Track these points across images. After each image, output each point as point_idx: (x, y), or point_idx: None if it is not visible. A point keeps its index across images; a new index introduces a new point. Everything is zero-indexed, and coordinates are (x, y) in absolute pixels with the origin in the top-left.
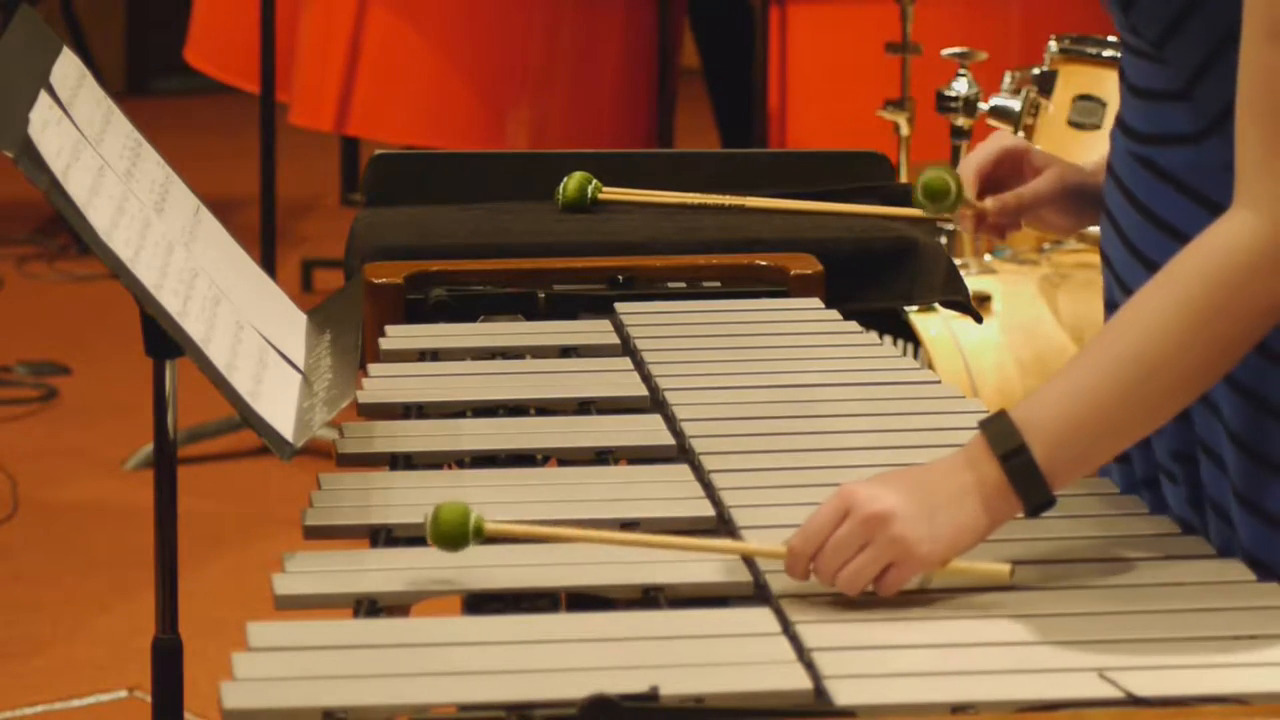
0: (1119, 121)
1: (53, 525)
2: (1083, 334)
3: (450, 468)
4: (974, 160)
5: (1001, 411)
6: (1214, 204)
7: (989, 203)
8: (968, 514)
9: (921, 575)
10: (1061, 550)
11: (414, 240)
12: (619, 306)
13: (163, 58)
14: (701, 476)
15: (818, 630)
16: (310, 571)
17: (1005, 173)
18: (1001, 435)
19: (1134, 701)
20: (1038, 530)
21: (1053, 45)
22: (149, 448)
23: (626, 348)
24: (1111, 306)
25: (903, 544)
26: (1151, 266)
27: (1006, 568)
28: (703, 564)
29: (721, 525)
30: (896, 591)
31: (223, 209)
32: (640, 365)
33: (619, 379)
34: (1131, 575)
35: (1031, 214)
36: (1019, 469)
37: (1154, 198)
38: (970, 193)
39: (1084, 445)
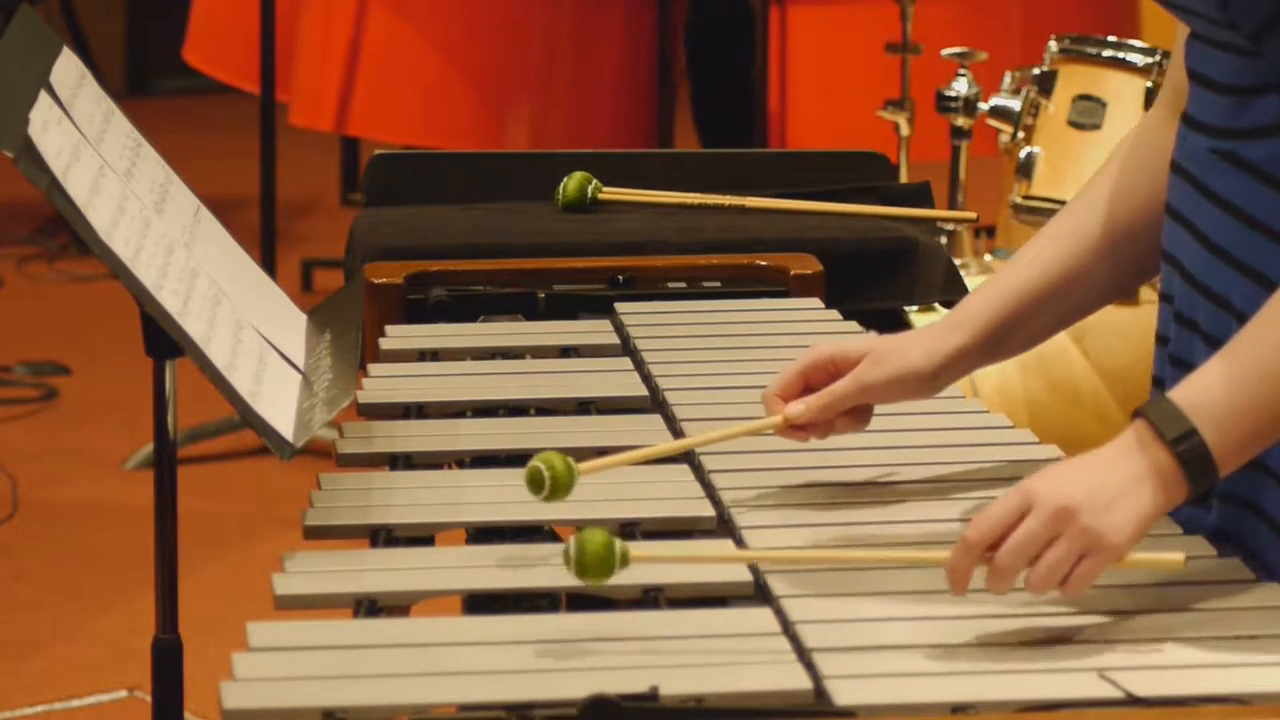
0: (1188, 119)
1: (53, 525)
2: (1083, 334)
3: (450, 468)
4: (772, 389)
5: (1163, 397)
6: None
7: (792, 409)
8: (1145, 500)
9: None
10: None
11: (414, 240)
12: (619, 306)
13: (163, 58)
14: (701, 476)
15: (818, 630)
16: (310, 571)
17: (819, 382)
18: (1169, 419)
19: (1134, 701)
20: None
21: (1053, 45)
22: (149, 448)
23: (626, 348)
24: (1178, 313)
25: (1093, 534)
26: (1237, 265)
27: (1180, 556)
28: (703, 564)
29: (721, 525)
30: (1087, 587)
31: (223, 209)
32: (640, 365)
33: (619, 379)
34: (1132, 575)
35: (855, 404)
36: (1191, 453)
37: (1238, 192)
38: (773, 411)
39: (1251, 429)
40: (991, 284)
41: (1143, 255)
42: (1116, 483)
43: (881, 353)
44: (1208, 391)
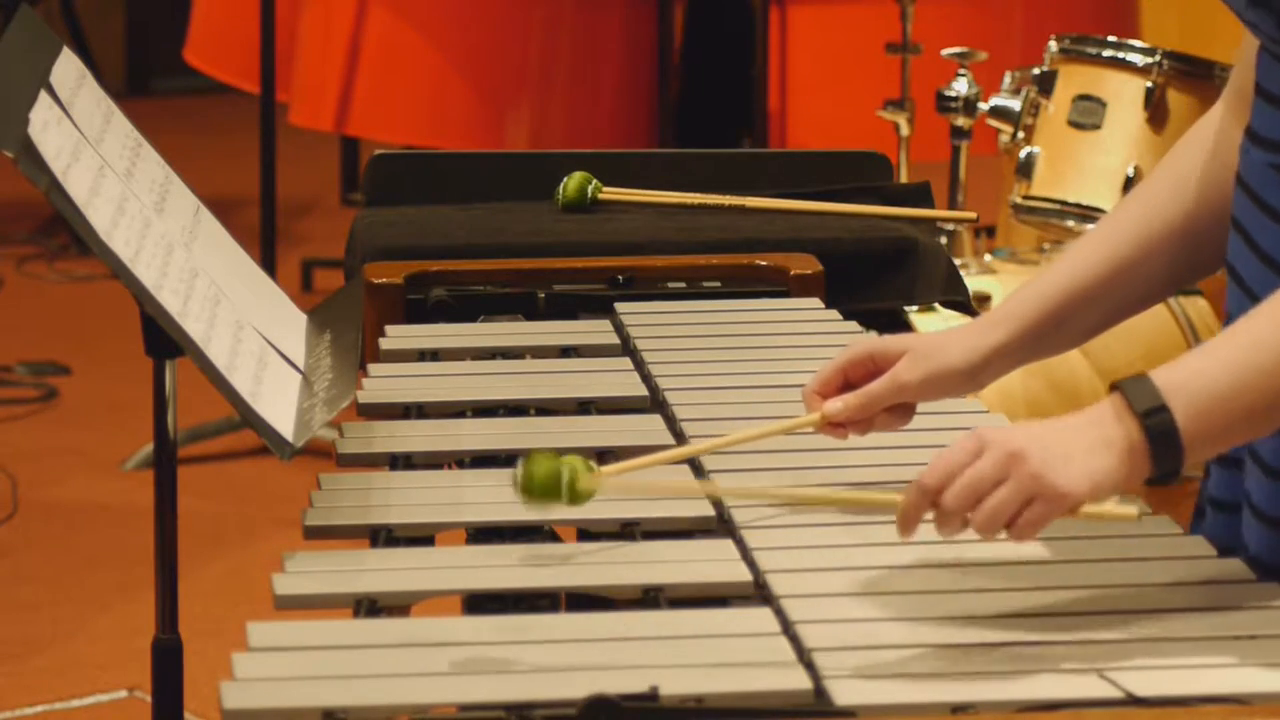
0: (1250, 132)
1: (53, 525)
2: None
3: (450, 468)
4: (811, 385)
5: (1141, 374)
6: None
7: (830, 406)
8: (1106, 462)
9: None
10: (1061, 550)
11: (414, 240)
12: (619, 306)
13: (163, 58)
14: (702, 477)
15: (818, 630)
16: (310, 571)
17: (859, 379)
18: (1142, 394)
19: (1134, 701)
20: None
21: (1053, 45)
22: (149, 448)
23: (626, 348)
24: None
25: (1043, 480)
26: None
27: (1135, 510)
28: (703, 564)
29: (721, 525)
30: (1035, 534)
31: (223, 209)
32: (640, 365)
33: (619, 379)
34: (1131, 575)
35: (892, 405)
36: (1159, 428)
37: None
38: (812, 407)
39: (1223, 420)
40: (1038, 281)
41: (1198, 252)
42: (1077, 442)
43: (920, 352)
44: (1186, 374)
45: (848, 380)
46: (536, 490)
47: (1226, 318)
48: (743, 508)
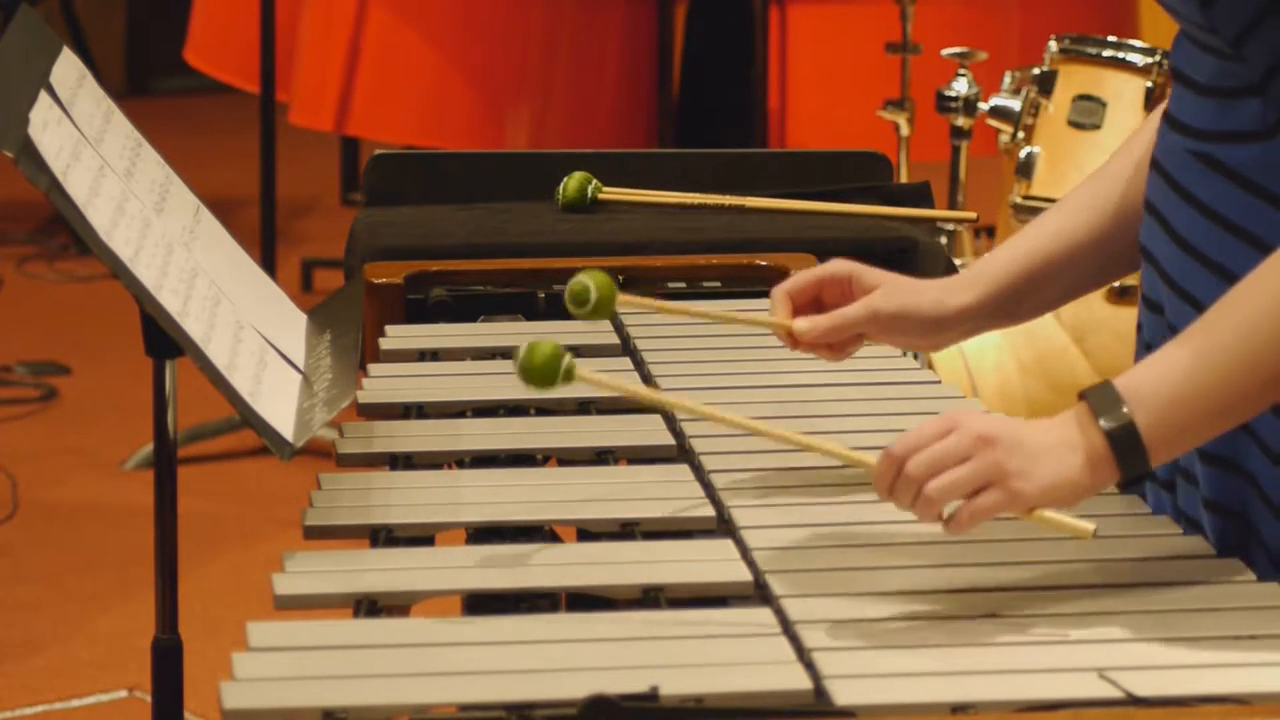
0: (1169, 118)
1: (53, 525)
2: (1083, 334)
3: (450, 468)
4: (786, 285)
5: (1106, 381)
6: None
7: (799, 324)
8: (1071, 468)
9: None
10: (1062, 551)
11: (414, 240)
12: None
13: (163, 58)
14: (701, 476)
15: (818, 630)
16: (310, 571)
17: (831, 297)
18: (1106, 403)
19: (1134, 701)
20: (1037, 530)
21: (1053, 45)
22: (149, 448)
23: (626, 348)
24: (1152, 305)
25: (1003, 469)
26: (1209, 264)
27: (1091, 525)
28: (703, 564)
29: (721, 525)
30: (980, 521)
31: (223, 209)
32: (640, 365)
33: (619, 379)
34: (1132, 575)
35: (854, 335)
36: (1122, 437)
37: (1215, 195)
38: (780, 314)
39: (1185, 422)
40: (1010, 247)
41: None
42: (1046, 442)
43: (895, 287)
44: (1149, 380)
45: (821, 295)
46: (536, 375)
47: (1143, 300)
48: (743, 507)
